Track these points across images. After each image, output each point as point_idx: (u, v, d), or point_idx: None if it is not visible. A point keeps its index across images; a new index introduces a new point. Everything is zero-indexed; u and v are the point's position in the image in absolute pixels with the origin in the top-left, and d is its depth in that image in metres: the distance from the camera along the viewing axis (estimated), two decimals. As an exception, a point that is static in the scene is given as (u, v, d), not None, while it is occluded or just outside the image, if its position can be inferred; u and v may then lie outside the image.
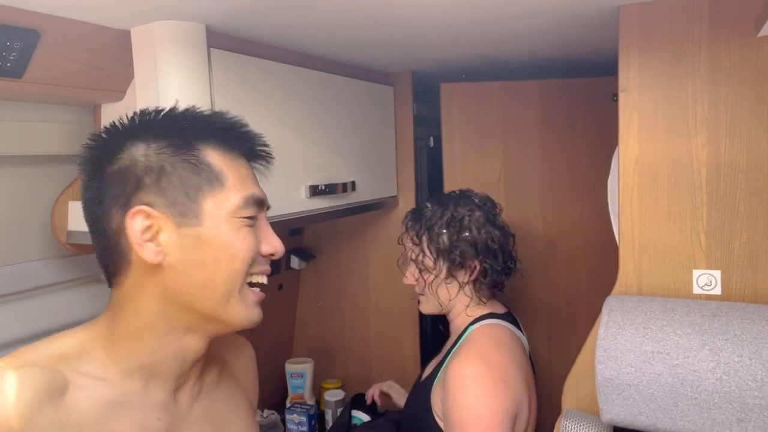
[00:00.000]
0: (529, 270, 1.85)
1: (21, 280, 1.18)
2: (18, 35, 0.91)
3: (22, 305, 1.18)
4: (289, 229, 1.93)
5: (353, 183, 1.56)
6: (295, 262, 1.99)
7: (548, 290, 1.86)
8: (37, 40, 0.94)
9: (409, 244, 1.45)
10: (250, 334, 1.08)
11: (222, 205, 0.77)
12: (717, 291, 1.05)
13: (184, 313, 0.78)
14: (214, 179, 0.77)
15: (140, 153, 0.76)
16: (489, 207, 1.43)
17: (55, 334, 0.78)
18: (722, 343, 0.92)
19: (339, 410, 1.86)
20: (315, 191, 1.40)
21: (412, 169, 1.87)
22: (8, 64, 0.93)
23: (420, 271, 1.42)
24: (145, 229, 0.74)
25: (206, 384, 0.89)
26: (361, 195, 1.63)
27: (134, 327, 0.78)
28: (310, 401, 1.93)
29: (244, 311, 0.80)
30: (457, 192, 1.47)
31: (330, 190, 1.45)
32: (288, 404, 1.89)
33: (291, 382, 1.95)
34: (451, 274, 1.39)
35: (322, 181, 1.44)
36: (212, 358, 0.93)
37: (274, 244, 0.82)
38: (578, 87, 1.78)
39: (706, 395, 0.91)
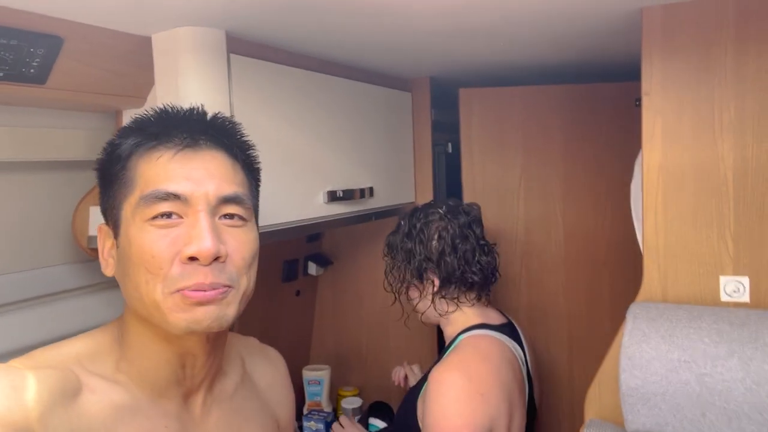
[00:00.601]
0: (550, 277, 1.84)
1: (42, 285, 1.19)
2: (41, 41, 0.92)
3: (42, 310, 1.19)
4: (307, 235, 1.93)
5: (371, 189, 1.55)
6: (312, 268, 1.98)
7: (569, 297, 1.83)
8: (60, 47, 0.95)
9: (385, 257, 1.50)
10: (265, 340, 1.08)
11: (131, 209, 0.74)
12: (745, 298, 1.02)
13: (145, 322, 0.76)
14: (128, 185, 0.76)
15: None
16: (451, 218, 1.40)
17: (72, 337, 0.79)
18: (752, 351, 0.89)
19: (356, 418, 1.85)
20: (333, 197, 1.40)
21: (430, 175, 1.86)
22: (31, 71, 0.94)
23: (390, 284, 1.47)
24: (108, 246, 0.79)
25: (221, 394, 0.88)
26: (379, 201, 1.62)
27: (128, 335, 0.79)
28: (327, 408, 1.91)
29: (178, 317, 0.72)
30: (431, 202, 1.49)
31: (348, 195, 1.44)
32: (305, 411, 1.88)
33: (308, 389, 1.94)
34: (414, 286, 1.43)
35: (339, 186, 1.43)
36: (231, 368, 0.92)
37: (197, 245, 0.70)
38: (600, 92, 1.76)
39: (735, 405, 0.88)
